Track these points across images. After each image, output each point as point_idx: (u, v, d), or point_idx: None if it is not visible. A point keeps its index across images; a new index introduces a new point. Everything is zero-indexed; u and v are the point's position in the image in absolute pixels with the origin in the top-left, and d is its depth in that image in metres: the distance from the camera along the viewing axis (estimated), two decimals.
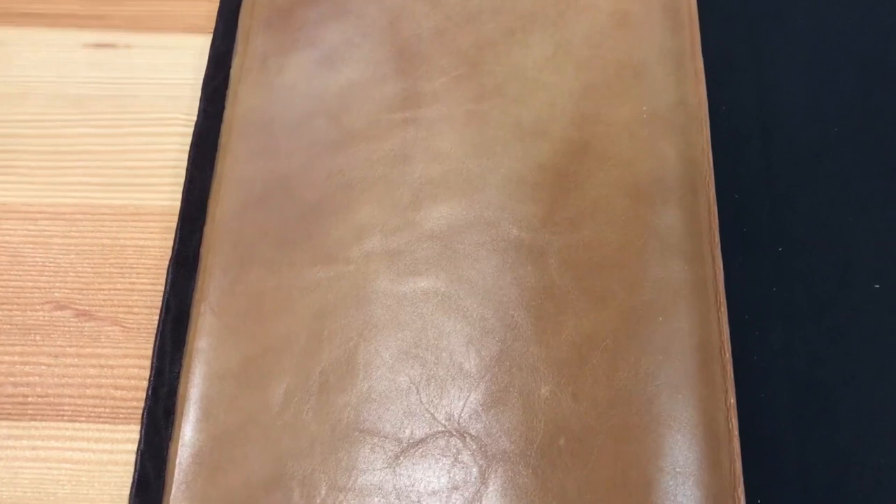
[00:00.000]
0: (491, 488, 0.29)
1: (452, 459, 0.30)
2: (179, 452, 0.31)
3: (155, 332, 0.34)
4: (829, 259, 0.29)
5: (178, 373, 0.33)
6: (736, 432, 0.29)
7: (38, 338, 0.35)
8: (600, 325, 0.30)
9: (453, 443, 0.30)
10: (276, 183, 0.36)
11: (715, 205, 0.32)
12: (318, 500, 0.30)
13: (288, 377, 0.32)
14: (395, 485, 0.30)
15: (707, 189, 0.33)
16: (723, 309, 0.30)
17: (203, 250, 0.35)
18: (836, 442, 0.26)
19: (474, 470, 0.29)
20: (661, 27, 0.36)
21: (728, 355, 0.30)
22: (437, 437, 0.30)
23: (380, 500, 0.30)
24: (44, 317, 0.35)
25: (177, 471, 0.31)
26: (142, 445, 0.32)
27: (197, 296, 0.34)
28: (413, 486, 0.30)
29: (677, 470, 0.28)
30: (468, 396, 0.31)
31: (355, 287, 0.34)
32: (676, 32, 0.36)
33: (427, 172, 0.35)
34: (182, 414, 0.32)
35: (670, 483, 0.28)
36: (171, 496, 0.30)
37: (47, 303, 0.36)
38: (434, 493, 0.30)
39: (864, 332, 0.27)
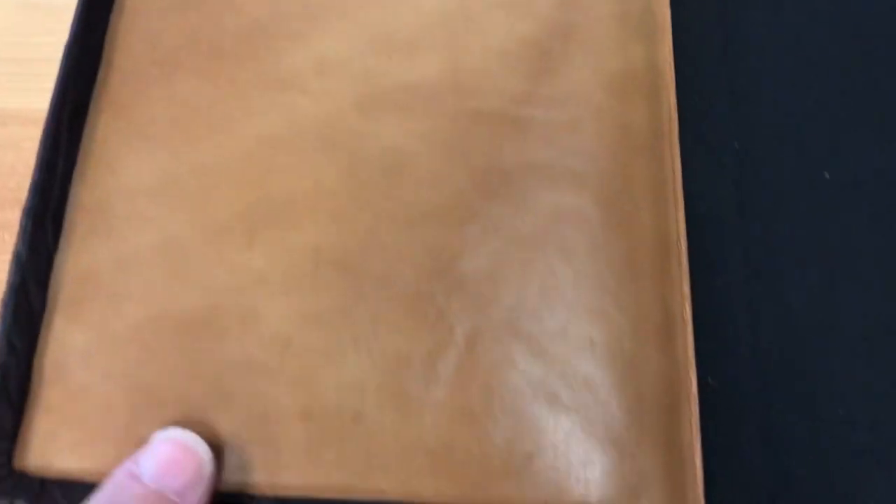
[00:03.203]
0: (471, 354, 0.28)
1: (434, 319, 0.29)
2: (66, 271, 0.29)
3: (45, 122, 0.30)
4: (787, 156, 0.31)
5: (72, 172, 0.30)
6: (689, 318, 0.30)
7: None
8: (576, 204, 0.31)
9: (434, 302, 0.29)
10: None
11: (675, 109, 0.34)
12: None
13: (222, 204, 0.30)
14: (373, 325, 0.28)
15: (669, 93, 0.34)
16: (680, 205, 0.32)
17: (108, 43, 0.32)
18: (786, 322, 0.29)
19: (453, 333, 0.29)
20: None
21: (684, 247, 0.31)
22: (419, 296, 0.29)
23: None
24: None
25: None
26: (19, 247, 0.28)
27: (100, 89, 0.31)
28: (392, 345, 0.28)
29: (636, 350, 0.30)
30: (441, 259, 0.30)
31: (314, 121, 0.31)
32: None
33: (404, 22, 0.33)
34: (71, 231, 0.29)
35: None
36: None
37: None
38: (410, 351, 0.28)
39: (819, 227, 0.30)
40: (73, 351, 0.28)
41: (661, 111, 0.34)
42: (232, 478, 0.26)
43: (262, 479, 0.26)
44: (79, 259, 0.29)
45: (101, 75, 0.32)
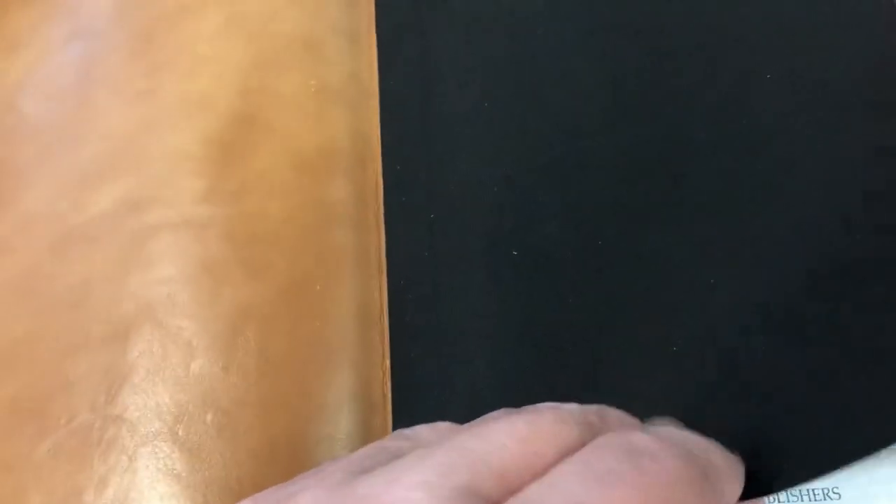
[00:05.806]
0: (140, 467, 0.28)
1: (105, 446, 0.28)
2: None
3: None
4: (476, 231, 0.29)
5: None
6: (390, 395, 0.29)
7: None
8: (256, 296, 0.30)
9: (106, 427, 0.29)
10: None
11: (381, 176, 0.33)
12: None
13: None
14: (53, 461, 0.28)
15: (375, 160, 0.33)
16: (383, 275, 0.31)
17: None
18: (473, 390, 0.27)
19: (124, 454, 0.28)
20: (336, 3, 0.36)
21: (386, 320, 0.30)
22: (91, 425, 0.29)
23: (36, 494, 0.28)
24: None
25: None
26: None
27: None
28: (68, 480, 0.28)
29: (330, 436, 0.28)
30: (123, 378, 0.29)
31: (15, 276, 0.32)
32: (352, 7, 0.36)
33: (95, 153, 0.34)
34: None
35: (322, 449, 0.28)
36: None
37: None
38: (87, 482, 0.28)
39: (506, 287, 0.28)
40: None
41: (366, 179, 0.33)
42: None
43: None
44: None
45: None
